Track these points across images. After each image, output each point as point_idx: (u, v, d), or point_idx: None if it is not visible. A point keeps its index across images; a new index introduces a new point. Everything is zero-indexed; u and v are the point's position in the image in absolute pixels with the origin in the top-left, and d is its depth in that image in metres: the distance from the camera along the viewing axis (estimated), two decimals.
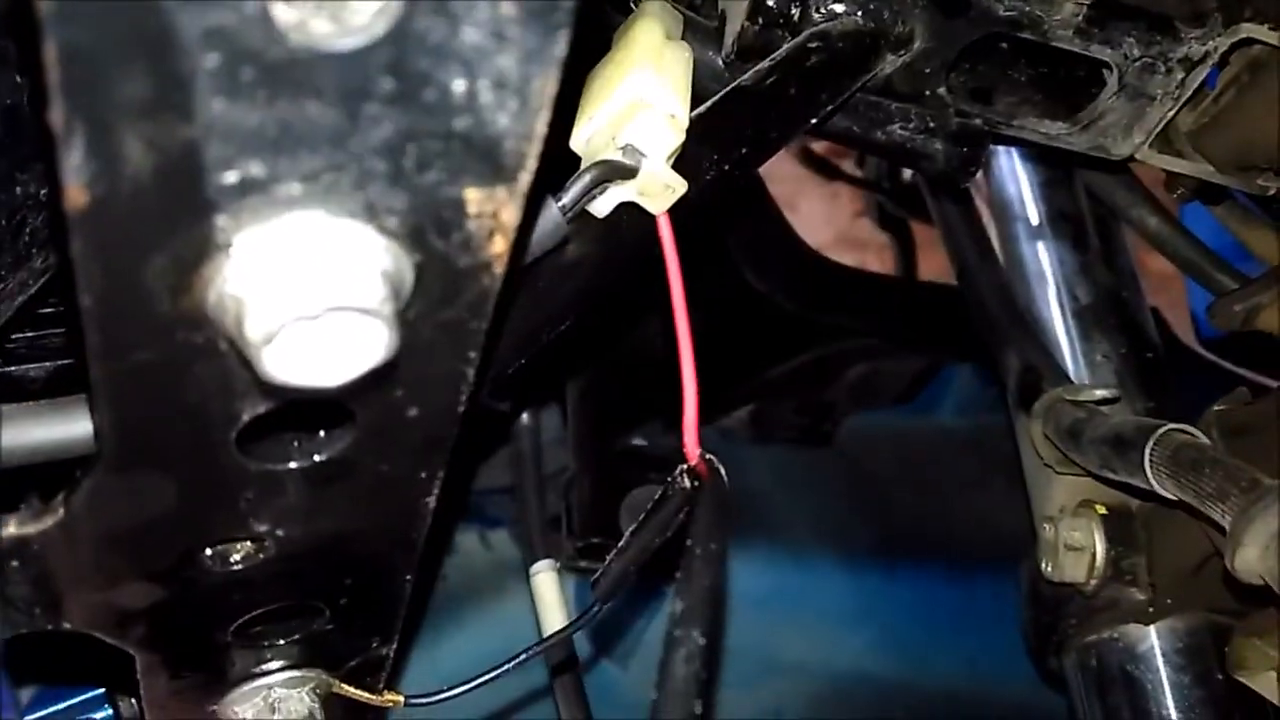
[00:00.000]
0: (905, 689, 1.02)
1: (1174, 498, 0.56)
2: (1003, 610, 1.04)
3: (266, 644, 0.45)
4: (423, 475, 0.39)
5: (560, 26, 0.26)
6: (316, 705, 0.47)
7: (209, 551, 0.39)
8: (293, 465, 0.36)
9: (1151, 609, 0.69)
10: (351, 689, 0.48)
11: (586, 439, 0.91)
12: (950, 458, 1.12)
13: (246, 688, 0.47)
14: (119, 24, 0.23)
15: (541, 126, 0.28)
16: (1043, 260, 0.87)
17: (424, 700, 0.49)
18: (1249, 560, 0.50)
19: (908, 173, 1.26)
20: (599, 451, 0.91)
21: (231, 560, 0.39)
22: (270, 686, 0.47)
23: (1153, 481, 0.58)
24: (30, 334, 0.48)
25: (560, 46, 0.26)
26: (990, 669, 1.02)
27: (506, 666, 0.49)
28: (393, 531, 0.41)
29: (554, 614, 0.76)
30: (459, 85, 0.26)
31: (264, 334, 0.27)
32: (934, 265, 1.20)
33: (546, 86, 0.27)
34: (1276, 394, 0.63)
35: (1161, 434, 0.57)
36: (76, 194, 0.26)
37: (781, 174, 1.31)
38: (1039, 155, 0.88)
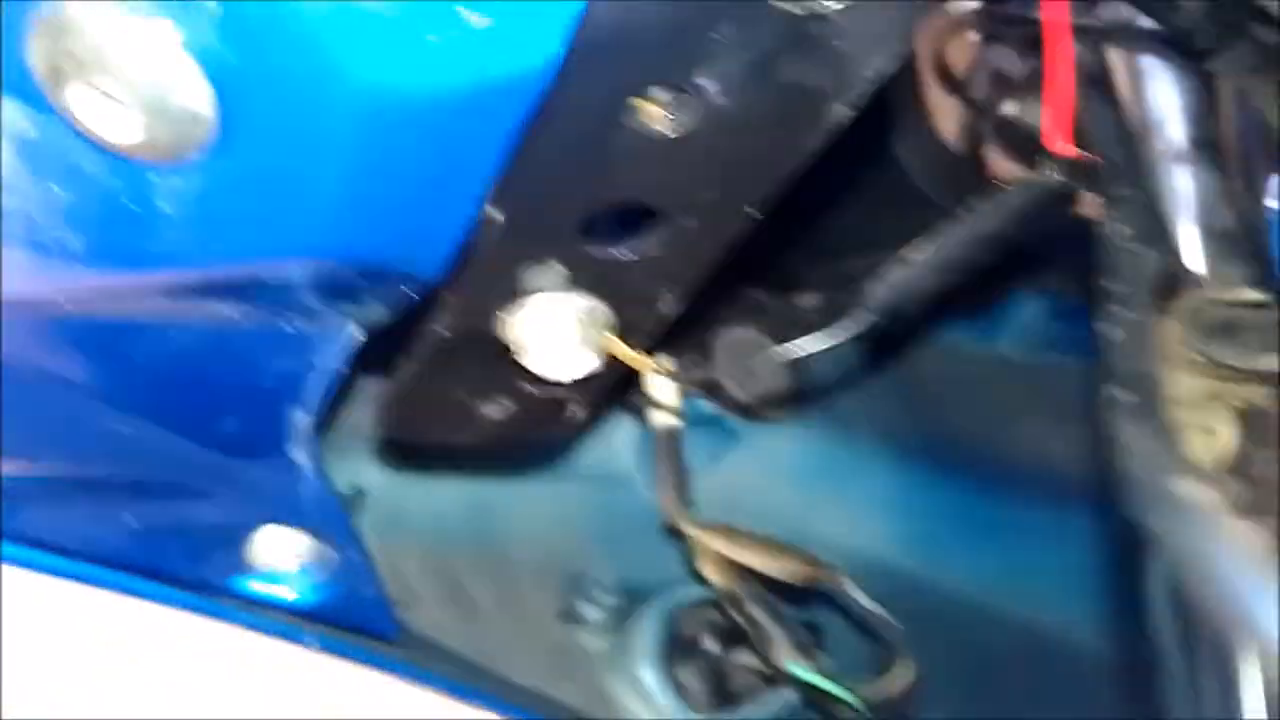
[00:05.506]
0: (918, 588, 1.07)
1: None
2: (1034, 537, 1.09)
3: (586, 256, 0.46)
4: None
5: None
6: (598, 341, 0.48)
7: (636, 103, 0.40)
8: None
9: (1260, 508, 0.72)
10: (620, 343, 0.49)
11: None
12: (1004, 386, 1.16)
13: (534, 301, 0.47)
14: None
15: None
16: (1183, 181, 0.90)
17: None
18: None
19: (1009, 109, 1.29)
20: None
21: (646, 129, 0.40)
22: (561, 307, 0.47)
23: None
24: None
25: None
26: (1004, 589, 1.07)
27: None
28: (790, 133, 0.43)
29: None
30: None
31: None
32: None
33: None
34: None
35: None
36: None
37: None
38: (1197, 77, 0.91)
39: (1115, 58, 0.91)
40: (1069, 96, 0.57)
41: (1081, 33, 0.92)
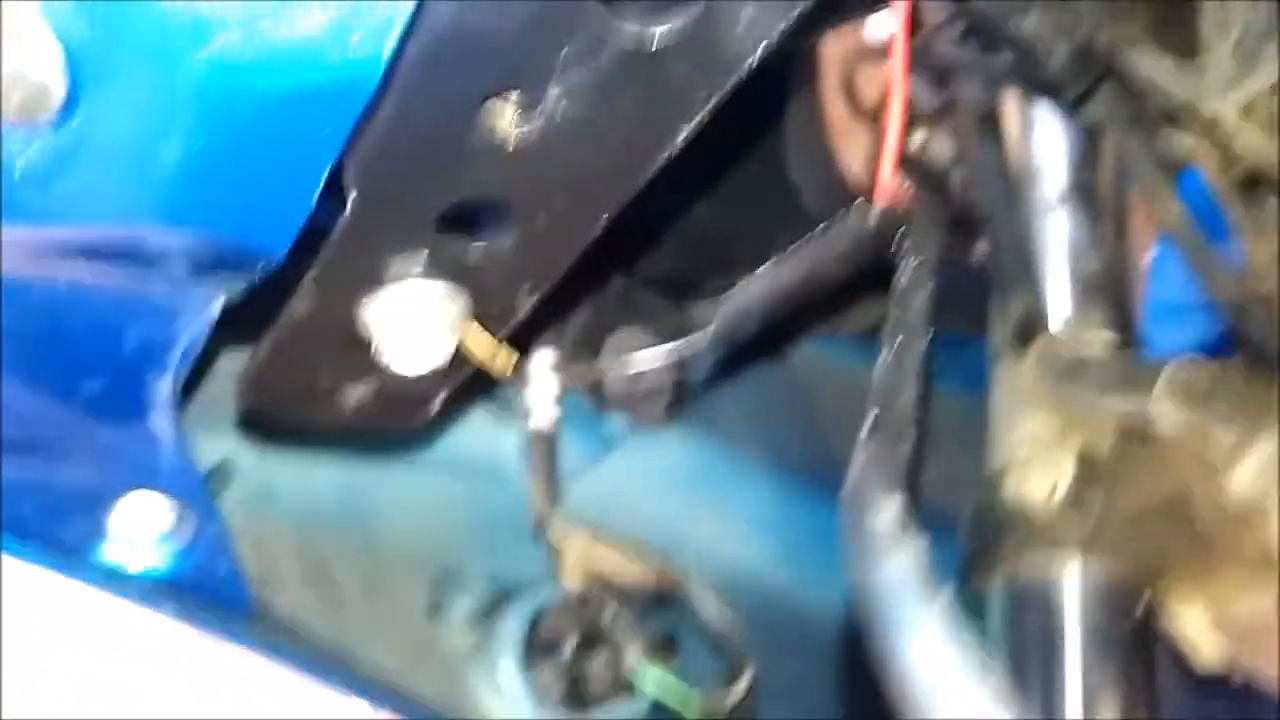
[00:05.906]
0: (784, 604, 1.11)
1: (1173, 426, 0.64)
2: None
3: (444, 248, 0.49)
4: None
5: None
6: (455, 332, 0.51)
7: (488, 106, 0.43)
8: None
9: (1092, 544, 0.77)
10: (478, 328, 0.53)
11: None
12: None
13: (397, 288, 0.50)
14: None
15: None
16: (1057, 226, 0.95)
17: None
18: (1245, 477, 0.57)
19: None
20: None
21: (497, 130, 0.43)
22: (419, 294, 0.50)
23: (1154, 407, 0.65)
24: None
25: None
26: None
27: None
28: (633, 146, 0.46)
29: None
30: None
31: None
32: None
33: None
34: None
35: (1183, 362, 0.65)
36: None
37: None
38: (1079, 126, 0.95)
39: (1009, 101, 0.96)
40: (896, 146, 0.61)
41: (975, 74, 0.97)
